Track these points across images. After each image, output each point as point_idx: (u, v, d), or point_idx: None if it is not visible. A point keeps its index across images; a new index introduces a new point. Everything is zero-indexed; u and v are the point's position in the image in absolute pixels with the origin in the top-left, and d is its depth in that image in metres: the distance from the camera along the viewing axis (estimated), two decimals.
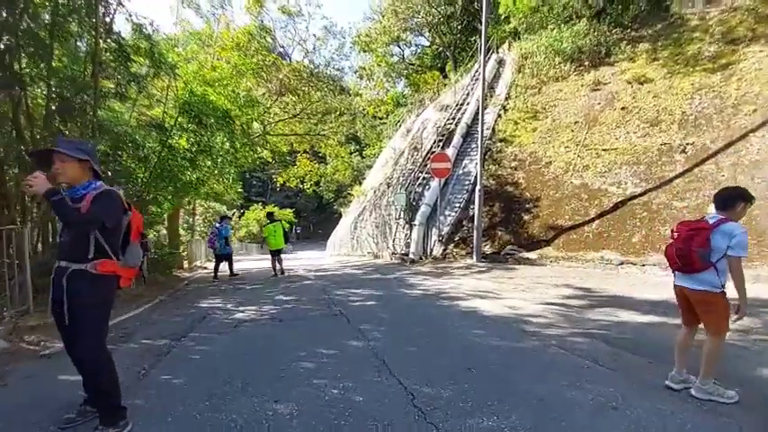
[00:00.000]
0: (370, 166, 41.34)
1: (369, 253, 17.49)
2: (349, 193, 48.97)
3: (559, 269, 8.68)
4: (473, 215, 11.64)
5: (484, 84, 11.72)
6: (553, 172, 11.84)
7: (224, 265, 10.94)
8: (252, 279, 10.32)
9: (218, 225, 11.33)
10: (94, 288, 2.21)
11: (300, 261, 19.77)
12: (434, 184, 13.79)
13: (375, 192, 21.65)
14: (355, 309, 5.40)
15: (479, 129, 10.75)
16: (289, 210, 47.23)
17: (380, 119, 31.00)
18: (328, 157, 28.73)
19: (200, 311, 5.54)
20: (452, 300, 5.82)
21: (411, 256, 12.69)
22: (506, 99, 15.66)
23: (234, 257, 11.68)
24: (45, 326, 4.55)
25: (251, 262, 15.44)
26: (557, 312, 4.79)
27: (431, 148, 15.70)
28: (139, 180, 9.72)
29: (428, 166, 14.72)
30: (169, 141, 10.37)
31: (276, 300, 6.38)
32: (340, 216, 54.14)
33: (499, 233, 11.39)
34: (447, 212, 12.68)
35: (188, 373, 3.15)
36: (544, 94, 14.90)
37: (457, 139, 14.41)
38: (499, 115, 15.03)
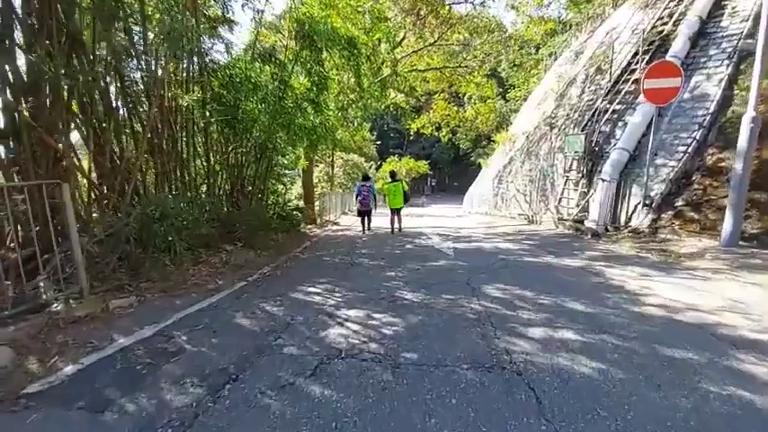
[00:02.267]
0: (515, 111, 35.65)
1: (520, 215, 14.02)
2: (491, 141, 44.30)
3: None
4: (708, 166, 7.22)
5: None
6: None
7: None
8: (376, 243, 8.41)
9: (364, 183, 11.18)
10: None
11: (434, 219, 17.49)
12: (637, 117, 9.36)
13: (528, 137, 17.45)
14: (540, 360, 2.61)
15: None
16: (424, 161, 45.15)
17: (536, 47, 25.19)
18: (467, 103, 25.02)
19: (284, 314, 3.57)
20: (749, 347, 2.63)
21: (591, 225, 8.97)
22: None
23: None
24: (100, 317, 3.14)
25: (376, 218, 13.87)
26: None
27: (629, 64, 10.88)
28: (262, 126, 8.34)
29: (637, 87, 10.27)
30: (287, 80, 8.74)
31: (398, 299, 4.04)
32: (478, 168, 49.89)
33: None
34: (660, 161, 8.36)
35: None
36: None
37: (680, 45, 9.34)
38: None
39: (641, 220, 8.40)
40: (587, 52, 16.94)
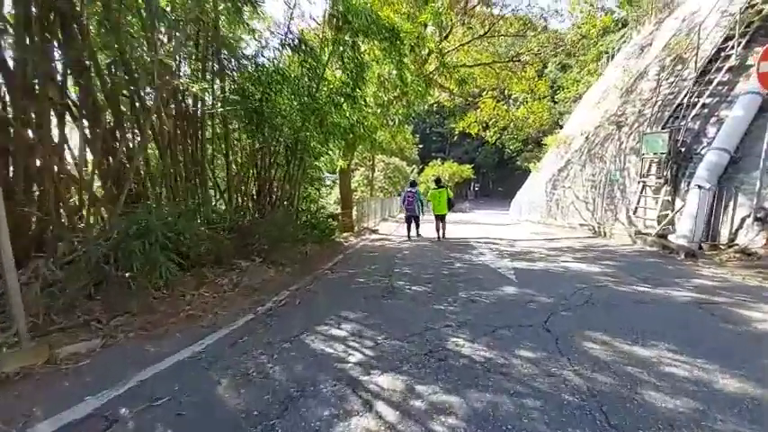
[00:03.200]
0: (565, 112, 32.99)
1: (582, 225, 12.27)
2: (541, 144, 41.75)
3: None
4: None
5: None
6: None
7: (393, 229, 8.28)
8: (419, 258, 7.23)
9: (410, 189, 11.15)
10: None
11: (480, 227, 15.99)
12: (738, 110, 7.58)
13: (588, 138, 15.56)
14: None
15: None
16: (467, 165, 43.33)
17: (592, 42, 22.96)
18: (512, 104, 23.12)
19: (288, 379, 2.51)
20: None
21: (682, 241, 7.26)
22: None
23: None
24: (36, 374, 2.26)
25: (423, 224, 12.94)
26: None
27: (719, 50, 9.01)
28: (291, 123, 7.47)
29: (731, 77, 8.54)
30: (321, 71, 7.81)
31: (450, 355, 2.85)
32: (523, 172, 47.17)
33: None
34: None
35: None
36: None
37: None
38: None
39: (752, 237, 6.63)
40: (657, 43, 14.87)
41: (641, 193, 9.42)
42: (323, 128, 8.05)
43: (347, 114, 8.76)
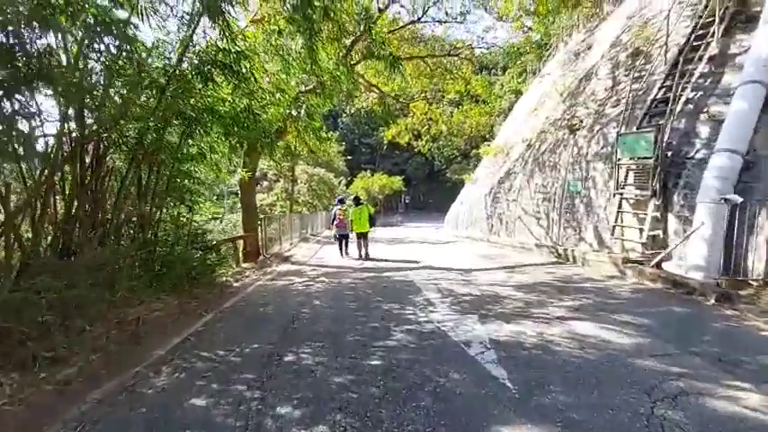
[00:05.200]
0: (488, 126, 32.70)
1: (540, 246, 10.39)
2: (469, 156, 41.34)
3: None
4: None
5: None
6: None
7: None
8: (335, 310, 4.41)
9: (340, 206, 10.83)
10: None
11: (416, 246, 13.69)
12: (740, 103, 6.01)
13: (531, 145, 14.10)
14: None
15: None
16: (398, 177, 41.68)
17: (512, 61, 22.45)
18: (447, 108, 21.64)
19: None
20: None
21: (697, 275, 5.37)
22: None
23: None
24: None
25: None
26: None
27: (687, 40, 7.62)
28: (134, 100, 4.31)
29: (714, 66, 7.09)
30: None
31: None
32: (453, 184, 46.76)
33: None
34: None
35: None
36: None
37: None
38: None
39: None
40: (597, 45, 14.00)
41: (619, 209, 7.62)
42: (192, 113, 4.97)
43: (229, 97, 5.76)
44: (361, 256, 10.18)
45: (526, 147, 14.55)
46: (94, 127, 4.48)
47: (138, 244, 5.17)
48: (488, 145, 22.56)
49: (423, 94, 15.18)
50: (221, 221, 16.32)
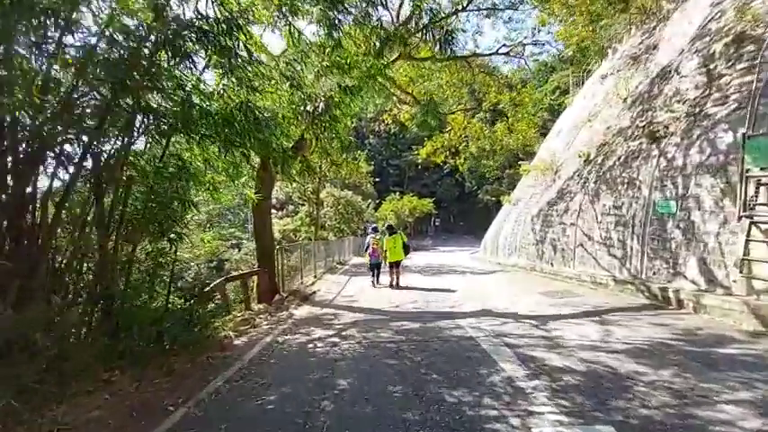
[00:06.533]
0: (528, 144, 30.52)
1: (618, 282, 8.23)
2: (501, 179, 38.94)
3: None
4: None
5: None
6: None
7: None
8: (366, 397, 2.65)
9: (373, 235, 10.85)
10: None
11: (455, 277, 11.78)
12: None
13: (590, 160, 12.05)
14: None
15: None
16: (427, 199, 39.72)
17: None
18: (488, 122, 19.90)
19: None
20: None
21: None
22: None
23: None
24: None
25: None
26: None
27: None
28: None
29: None
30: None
31: None
32: (485, 206, 44.32)
33: None
34: None
35: None
36: None
37: None
38: None
39: None
40: (665, 44, 12.03)
41: (747, 235, 5.51)
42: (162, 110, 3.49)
43: (219, 87, 4.27)
44: (392, 284, 10.14)
45: (583, 162, 12.51)
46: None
47: (86, 298, 3.63)
48: (527, 163, 20.58)
49: (461, 106, 13.52)
50: (239, 249, 15.02)
